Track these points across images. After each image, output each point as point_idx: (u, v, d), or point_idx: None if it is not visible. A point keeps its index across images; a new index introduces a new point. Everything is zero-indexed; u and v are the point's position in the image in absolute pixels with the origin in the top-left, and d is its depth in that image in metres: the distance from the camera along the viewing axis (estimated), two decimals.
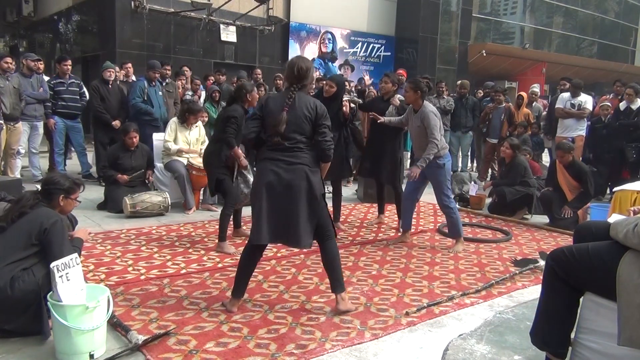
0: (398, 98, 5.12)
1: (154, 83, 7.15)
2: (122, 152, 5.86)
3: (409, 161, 8.03)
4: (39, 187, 2.99)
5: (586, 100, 7.63)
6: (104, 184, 6.29)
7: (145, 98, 7.04)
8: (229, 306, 3.11)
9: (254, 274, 3.75)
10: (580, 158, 7.60)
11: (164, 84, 7.46)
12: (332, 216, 5.43)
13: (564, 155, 5.65)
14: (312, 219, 3.02)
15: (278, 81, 8.58)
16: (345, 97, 5.28)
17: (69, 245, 2.79)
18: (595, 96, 9.58)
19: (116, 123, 6.98)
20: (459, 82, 9.42)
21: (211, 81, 8.65)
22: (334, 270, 3.12)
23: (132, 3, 11.21)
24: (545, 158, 9.13)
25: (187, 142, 5.92)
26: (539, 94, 9.57)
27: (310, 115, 3.03)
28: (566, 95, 7.85)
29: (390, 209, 5.76)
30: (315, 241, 3.13)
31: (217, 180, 4.44)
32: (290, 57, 13.90)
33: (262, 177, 3.03)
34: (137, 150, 5.93)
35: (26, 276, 2.61)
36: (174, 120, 5.97)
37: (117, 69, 7.42)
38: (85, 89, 7.50)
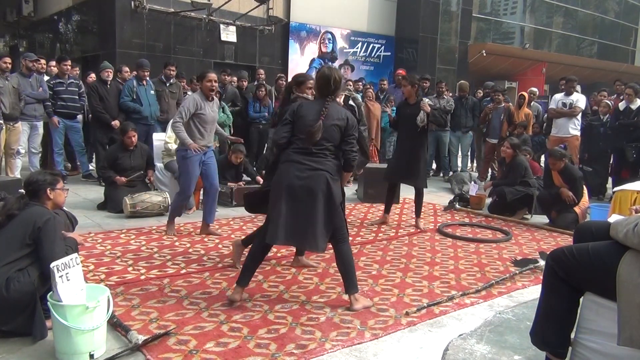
0: (428, 103, 5.16)
1: (144, 82, 7.15)
2: (121, 152, 5.86)
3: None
4: (22, 190, 2.98)
5: (578, 99, 7.60)
6: (104, 184, 6.30)
7: (134, 97, 7.06)
8: (234, 294, 3.19)
9: (254, 274, 3.78)
10: (577, 158, 7.60)
11: (167, 84, 7.46)
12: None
13: (556, 163, 5.65)
14: (329, 225, 3.10)
15: (280, 82, 8.56)
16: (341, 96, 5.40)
17: (62, 244, 2.79)
18: (595, 95, 9.56)
19: (115, 123, 6.98)
20: (458, 83, 9.43)
21: None
22: (348, 272, 3.19)
23: (132, 3, 11.20)
24: None
25: None
26: (537, 93, 9.58)
27: (340, 125, 3.15)
28: (559, 95, 7.87)
29: (391, 209, 5.75)
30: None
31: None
32: (290, 58, 14.04)
33: (284, 178, 3.11)
34: (136, 150, 5.93)
35: (22, 277, 2.61)
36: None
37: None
38: (84, 89, 7.51)
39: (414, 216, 5.55)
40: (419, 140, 5.24)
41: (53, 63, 7.68)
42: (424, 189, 5.50)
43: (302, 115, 3.17)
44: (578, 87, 9.04)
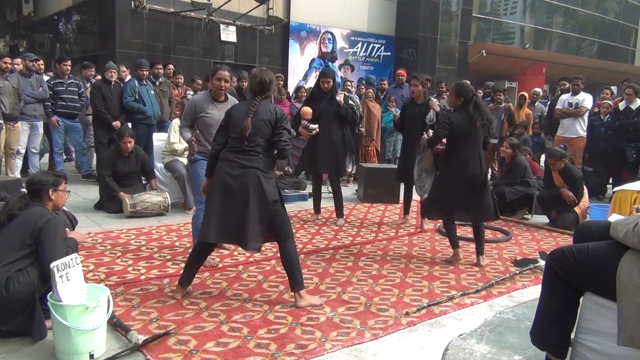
0: (437, 104, 5.16)
1: (144, 82, 7.15)
2: (117, 157, 5.71)
3: None
4: (24, 190, 2.98)
5: (584, 98, 7.59)
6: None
7: (137, 97, 7.06)
8: (175, 294, 3.29)
9: (254, 273, 3.79)
10: (581, 159, 7.60)
11: (157, 83, 7.46)
12: (335, 213, 5.49)
13: (556, 163, 5.65)
14: (262, 223, 3.13)
15: (280, 81, 8.57)
16: (341, 94, 5.43)
17: (62, 245, 2.79)
18: (596, 95, 9.56)
19: (116, 124, 6.97)
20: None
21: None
22: (292, 269, 3.22)
23: (132, 3, 11.21)
24: None
25: None
26: (541, 94, 9.57)
27: (269, 119, 3.20)
28: (565, 95, 7.85)
29: (391, 209, 5.75)
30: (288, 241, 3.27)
31: None
32: (289, 58, 14.04)
33: (218, 177, 3.20)
34: (131, 156, 5.77)
35: (21, 277, 2.61)
36: (176, 122, 5.95)
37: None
38: (84, 89, 7.50)
39: (415, 216, 5.55)
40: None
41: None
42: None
43: (234, 116, 3.26)
44: (614, 88, 8.92)
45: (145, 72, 7.16)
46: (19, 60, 7.25)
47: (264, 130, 3.20)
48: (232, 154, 3.19)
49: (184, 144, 5.78)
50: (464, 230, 5.47)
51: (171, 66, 8.49)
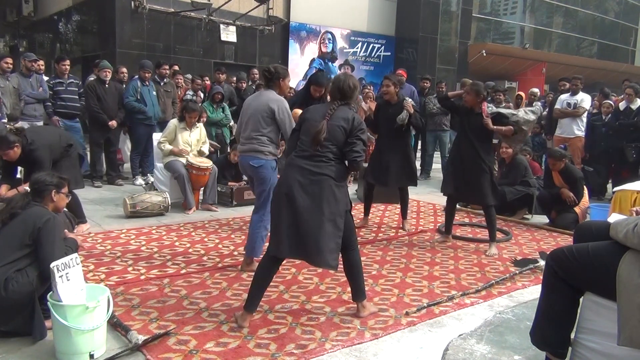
0: (411, 104, 5.11)
1: (147, 82, 7.16)
2: None
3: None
4: (27, 188, 2.98)
5: (583, 98, 7.59)
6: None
7: (139, 97, 7.07)
8: (240, 320, 2.92)
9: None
10: (580, 159, 7.60)
11: (162, 83, 7.47)
12: None
13: (556, 163, 5.65)
14: (336, 237, 2.87)
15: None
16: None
17: (61, 244, 2.79)
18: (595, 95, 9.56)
19: (112, 123, 6.98)
20: (461, 80, 9.48)
21: (207, 81, 8.71)
22: (355, 279, 3.08)
23: (132, 3, 11.22)
24: None
25: (188, 144, 5.91)
26: (538, 94, 9.58)
27: (346, 126, 2.95)
28: (564, 95, 7.86)
29: (391, 209, 5.75)
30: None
31: None
32: (290, 58, 14.05)
33: (285, 184, 2.92)
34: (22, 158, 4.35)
35: (20, 277, 2.61)
36: (173, 122, 5.96)
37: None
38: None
39: (414, 216, 5.54)
40: (404, 139, 5.15)
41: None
42: (411, 188, 5.42)
43: (307, 118, 3.04)
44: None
45: (147, 74, 7.18)
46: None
47: (338, 137, 2.94)
48: (301, 160, 2.93)
49: (171, 146, 5.79)
50: (464, 231, 5.48)
51: (176, 67, 8.53)
